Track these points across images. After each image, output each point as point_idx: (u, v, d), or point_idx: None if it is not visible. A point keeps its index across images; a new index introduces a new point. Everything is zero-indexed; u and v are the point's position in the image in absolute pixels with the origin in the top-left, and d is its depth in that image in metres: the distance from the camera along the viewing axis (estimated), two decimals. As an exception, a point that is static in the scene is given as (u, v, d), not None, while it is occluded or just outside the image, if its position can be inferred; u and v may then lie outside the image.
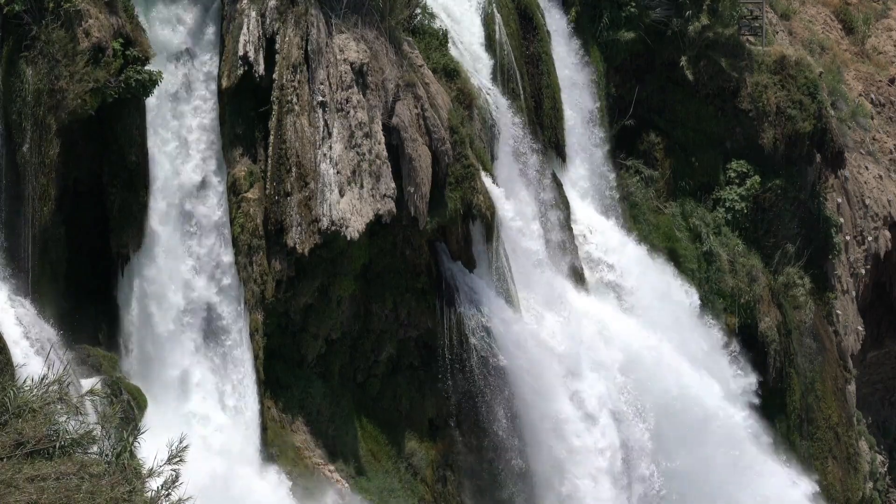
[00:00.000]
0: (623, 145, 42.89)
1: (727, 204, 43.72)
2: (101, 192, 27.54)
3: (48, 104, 25.77)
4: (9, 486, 12.33)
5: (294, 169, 29.72)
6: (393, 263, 32.49)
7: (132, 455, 14.00)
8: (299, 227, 29.64)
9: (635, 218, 41.61)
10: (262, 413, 29.66)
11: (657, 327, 38.32)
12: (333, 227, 29.70)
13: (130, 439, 13.95)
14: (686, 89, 43.96)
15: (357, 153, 30.35)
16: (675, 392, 37.76)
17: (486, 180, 33.72)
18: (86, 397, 16.83)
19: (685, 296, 41.02)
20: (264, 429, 29.61)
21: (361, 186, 30.28)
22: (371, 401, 32.61)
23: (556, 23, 40.39)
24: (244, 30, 29.36)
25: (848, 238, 48.08)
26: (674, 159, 43.77)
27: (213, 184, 29.28)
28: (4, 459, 12.90)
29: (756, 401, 41.40)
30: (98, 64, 26.16)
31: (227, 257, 29.36)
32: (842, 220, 47.30)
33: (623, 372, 36.39)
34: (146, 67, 26.85)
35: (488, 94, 35.65)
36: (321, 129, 30.14)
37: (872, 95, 54.08)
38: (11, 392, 13.92)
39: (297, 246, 29.60)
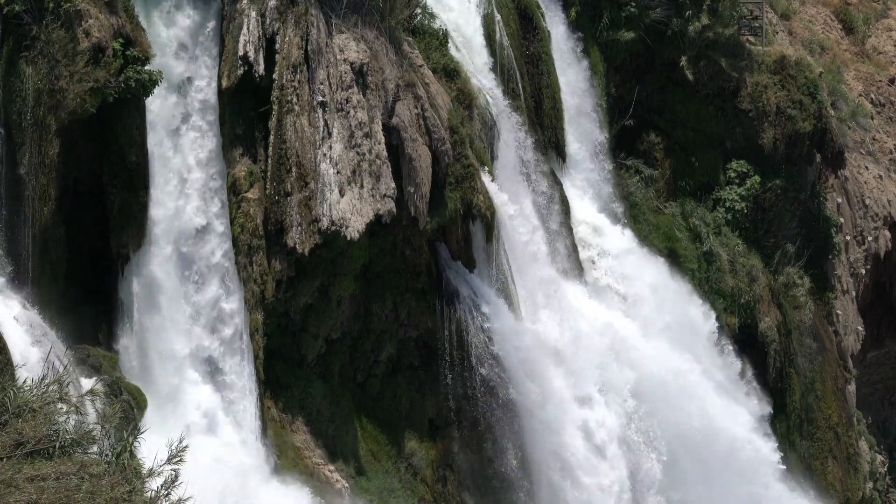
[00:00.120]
0: (623, 145, 42.89)
1: (727, 204, 43.72)
2: (101, 192, 27.53)
3: (48, 104, 25.77)
4: (9, 486, 12.33)
5: (294, 169, 29.72)
6: (393, 263, 32.50)
7: (132, 455, 14.00)
8: (299, 227, 29.64)
9: (635, 218, 41.61)
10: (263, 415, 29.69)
11: (667, 339, 37.48)
12: (333, 227, 29.70)
13: (130, 439, 13.95)
14: (686, 89, 43.97)
15: (357, 153, 30.35)
16: (697, 422, 36.19)
17: (486, 180, 33.73)
18: (86, 397, 16.81)
19: (700, 314, 40.17)
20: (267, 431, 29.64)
21: (361, 186, 30.29)
22: (371, 401, 32.61)
23: (556, 23, 40.40)
24: (244, 30, 29.36)
25: (848, 238, 48.08)
26: (674, 159, 43.77)
27: (216, 228, 29.27)
28: (4, 459, 12.90)
29: (770, 432, 40.62)
30: (98, 64, 26.15)
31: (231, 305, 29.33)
32: (842, 220, 47.30)
33: (636, 396, 35.23)
34: (146, 67, 26.85)
35: (488, 94, 35.66)
36: (321, 129, 30.14)
37: (872, 95, 54.07)
38: (11, 392, 13.92)
39: (297, 246, 29.60)
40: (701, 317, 40.34)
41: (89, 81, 26.00)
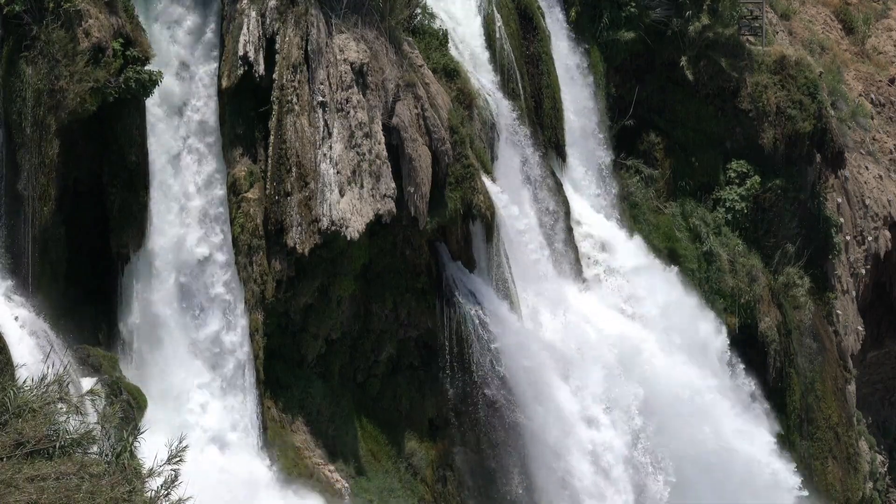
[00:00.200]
0: (623, 145, 42.89)
1: (727, 204, 43.72)
2: (101, 192, 27.53)
3: (48, 104, 25.77)
4: (9, 486, 12.33)
5: (294, 169, 29.71)
6: (393, 263, 32.49)
7: (132, 455, 14.00)
8: (299, 227, 29.64)
9: (635, 218, 41.61)
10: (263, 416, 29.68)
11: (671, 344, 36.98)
12: (333, 227, 29.70)
13: (130, 439, 13.95)
14: (686, 89, 43.98)
15: (357, 153, 30.35)
16: (712, 444, 34.98)
17: (486, 180, 33.72)
18: (86, 397, 16.82)
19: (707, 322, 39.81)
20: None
21: (361, 186, 30.28)
22: (371, 401, 32.61)
23: (556, 23, 40.39)
24: (244, 30, 29.36)
25: (848, 238, 48.09)
26: (674, 159, 43.78)
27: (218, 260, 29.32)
28: (4, 459, 12.90)
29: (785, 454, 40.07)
30: (98, 64, 26.15)
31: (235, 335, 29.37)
32: (842, 220, 47.31)
33: (644, 412, 34.40)
34: (146, 67, 26.85)
35: (488, 94, 35.65)
36: (321, 129, 30.14)
37: (872, 95, 54.08)
38: (11, 392, 13.93)
39: (297, 246, 29.60)
40: (713, 332, 40.03)
41: (89, 81, 26.00)
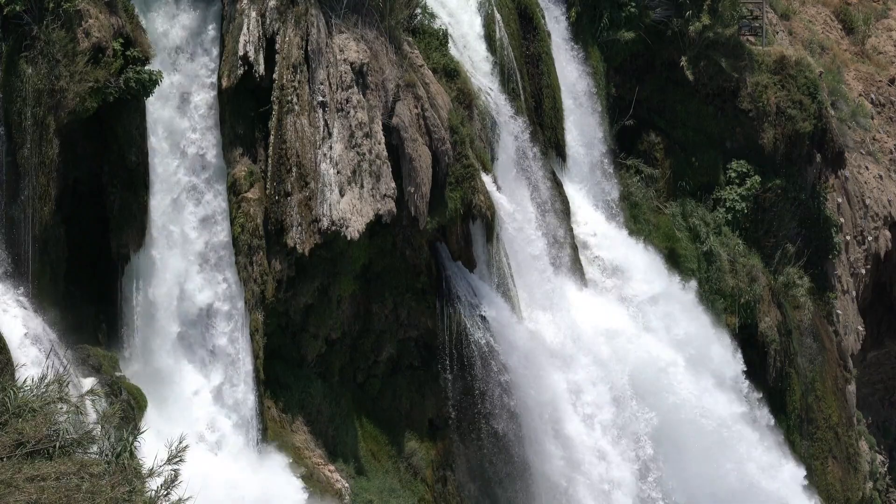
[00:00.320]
0: (623, 145, 42.92)
1: (727, 204, 43.74)
2: (101, 192, 27.51)
3: (48, 104, 25.75)
4: (9, 486, 12.32)
5: (294, 169, 29.70)
6: (393, 263, 32.49)
7: (132, 455, 14.00)
8: (299, 227, 29.63)
9: (635, 218, 41.61)
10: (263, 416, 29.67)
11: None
12: (333, 227, 29.69)
13: (130, 439, 13.95)
14: (686, 89, 44.00)
15: (357, 153, 30.34)
16: (734, 478, 34.93)
17: (486, 180, 33.72)
18: (86, 397, 16.82)
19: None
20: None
21: (361, 186, 30.28)
22: (371, 401, 32.61)
23: (556, 23, 40.39)
24: (244, 30, 29.34)
25: (848, 238, 48.10)
26: (674, 159, 43.80)
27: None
28: (4, 459, 12.90)
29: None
30: (98, 64, 26.14)
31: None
32: (842, 220, 47.32)
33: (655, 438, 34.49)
34: (146, 67, 26.84)
35: (488, 94, 35.63)
36: (321, 129, 30.13)
37: (872, 95, 54.08)
38: (11, 392, 13.93)
39: (297, 246, 29.59)
40: (731, 358, 39.94)
41: (89, 81, 25.99)
